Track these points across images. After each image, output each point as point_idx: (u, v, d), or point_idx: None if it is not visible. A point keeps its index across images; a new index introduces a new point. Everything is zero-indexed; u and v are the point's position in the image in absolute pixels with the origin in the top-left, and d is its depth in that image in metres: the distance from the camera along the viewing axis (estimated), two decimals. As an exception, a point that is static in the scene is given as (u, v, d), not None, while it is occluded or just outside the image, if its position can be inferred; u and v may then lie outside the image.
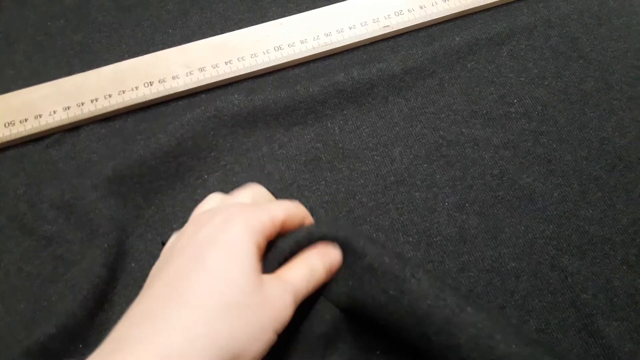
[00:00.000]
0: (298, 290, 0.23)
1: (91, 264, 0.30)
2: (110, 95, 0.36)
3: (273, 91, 0.36)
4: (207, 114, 0.35)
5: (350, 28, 0.39)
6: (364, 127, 0.36)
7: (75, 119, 0.35)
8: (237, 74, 0.37)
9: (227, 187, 0.34)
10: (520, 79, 0.38)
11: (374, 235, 0.32)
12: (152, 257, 0.31)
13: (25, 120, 0.35)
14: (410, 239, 0.32)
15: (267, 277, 0.23)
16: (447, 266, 0.31)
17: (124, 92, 0.36)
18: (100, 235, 0.31)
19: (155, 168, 0.33)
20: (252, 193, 0.26)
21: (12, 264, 0.31)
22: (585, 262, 0.32)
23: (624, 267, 0.31)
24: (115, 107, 0.36)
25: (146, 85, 0.36)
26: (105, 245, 0.30)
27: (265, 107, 0.35)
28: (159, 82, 0.36)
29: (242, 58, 0.37)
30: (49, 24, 0.41)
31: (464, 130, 0.36)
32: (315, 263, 0.24)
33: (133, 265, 0.31)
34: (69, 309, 0.29)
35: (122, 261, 0.31)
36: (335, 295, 0.25)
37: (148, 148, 0.33)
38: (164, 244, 0.25)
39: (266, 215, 0.23)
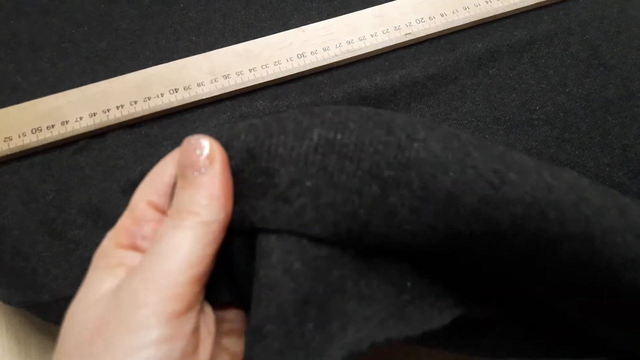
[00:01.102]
0: (163, 279, 0.17)
1: None
2: (135, 102, 0.36)
3: (297, 97, 0.36)
4: (233, 119, 0.35)
5: (372, 35, 0.39)
6: (387, 134, 0.36)
7: (101, 125, 0.36)
8: (261, 81, 0.37)
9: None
10: (542, 85, 0.38)
11: None
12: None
13: (52, 126, 0.36)
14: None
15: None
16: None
17: (149, 98, 0.37)
18: None
19: (182, 173, 0.34)
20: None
21: (41, 267, 0.32)
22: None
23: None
24: (141, 114, 0.36)
25: (171, 92, 0.37)
26: None
27: (289, 113, 0.36)
28: (184, 89, 0.37)
29: (265, 65, 0.38)
30: (73, 31, 0.41)
31: (487, 136, 0.36)
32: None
33: None
34: None
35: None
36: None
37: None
38: None
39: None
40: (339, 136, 0.18)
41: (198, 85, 0.37)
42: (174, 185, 0.20)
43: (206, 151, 0.19)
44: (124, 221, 0.21)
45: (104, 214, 0.33)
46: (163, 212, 0.20)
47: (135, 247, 0.20)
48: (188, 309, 0.17)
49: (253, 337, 0.17)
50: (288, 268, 0.17)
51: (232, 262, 0.20)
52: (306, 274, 0.17)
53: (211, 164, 0.19)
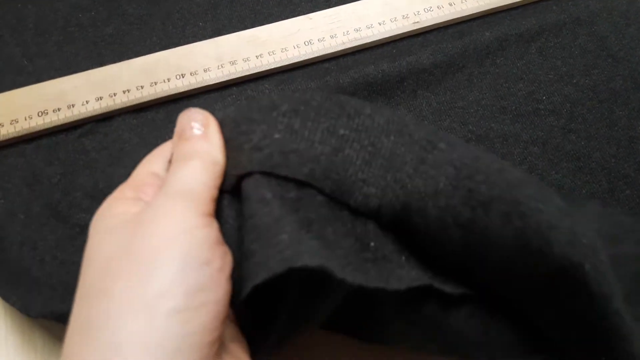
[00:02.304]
0: (187, 189, 0.20)
1: None
2: (142, 87, 0.36)
3: (303, 82, 0.36)
4: (238, 102, 0.35)
5: (379, 24, 0.39)
6: (393, 122, 0.36)
7: (107, 109, 0.36)
8: (268, 67, 0.37)
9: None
10: (549, 76, 0.38)
11: None
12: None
13: (59, 109, 0.36)
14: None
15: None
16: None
17: (155, 83, 0.37)
18: None
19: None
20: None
21: (47, 251, 0.32)
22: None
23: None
24: (147, 99, 0.36)
25: (178, 77, 0.37)
26: None
27: (295, 98, 0.36)
28: (190, 74, 0.37)
29: (272, 52, 0.38)
30: (80, 15, 0.41)
31: (493, 125, 0.36)
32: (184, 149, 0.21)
33: None
34: None
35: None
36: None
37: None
38: None
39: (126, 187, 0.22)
40: (302, 107, 0.21)
41: (205, 70, 0.37)
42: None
43: (201, 115, 0.22)
44: (128, 182, 0.23)
45: None
46: (160, 177, 0.22)
47: (138, 198, 0.21)
48: (210, 214, 0.20)
49: (246, 261, 0.20)
50: (262, 198, 0.20)
51: (221, 220, 0.22)
52: (278, 205, 0.20)
53: (207, 126, 0.22)
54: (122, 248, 0.19)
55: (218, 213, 0.22)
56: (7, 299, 0.30)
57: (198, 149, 0.21)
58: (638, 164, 0.35)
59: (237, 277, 0.20)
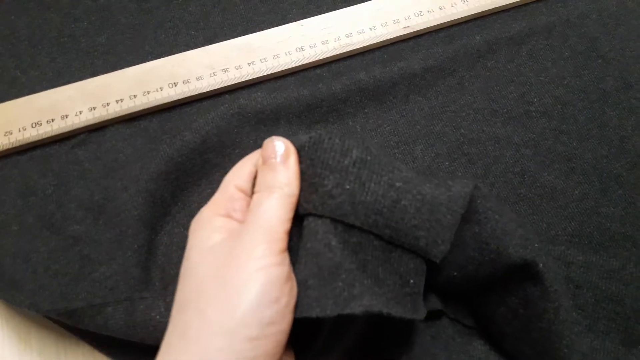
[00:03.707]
0: (267, 227, 0.24)
1: (123, 265, 0.30)
2: (135, 96, 0.37)
3: (295, 89, 0.36)
4: (231, 111, 0.35)
5: (370, 29, 0.39)
6: (385, 125, 0.36)
7: (100, 119, 0.36)
8: (260, 74, 0.37)
9: (252, 184, 0.35)
10: (540, 78, 0.38)
11: None
12: (180, 249, 0.32)
13: (52, 120, 0.36)
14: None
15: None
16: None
17: (148, 92, 0.37)
18: (129, 236, 0.31)
19: (181, 165, 0.34)
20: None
21: (40, 263, 0.32)
22: (608, 258, 0.32)
23: (647, 264, 0.32)
24: (140, 108, 0.36)
25: (170, 86, 0.37)
26: (136, 245, 0.31)
27: (287, 104, 0.36)
28: (183, 82, 0.37)
29: (264, 59, 0.38)
30: (72, 25, 0.41)
31: (485, 128, 0.36)
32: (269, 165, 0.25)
33: (163, 260, 0.32)
34: None
35: (153, 258, 0.32)
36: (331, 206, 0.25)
37: (174, 146, 0.34)
38: None
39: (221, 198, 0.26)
40: (368, 158, 0.25)
41: (197, 79, 0.37)
42: (254, 177, 0.26)
43: (284, 147, 0.26)
44: (219, 197, 0.26)
45: (107, 211, 0.33)
46: (246, 193, 0.26)
47: (229, 216, 0.25)
48: (284, 250, 0.24)
49: (299, 288, 0.24)
50: (328, 243, 0.23)
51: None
52: (339, 249, 0.23)
53: (288, 157, 0.25)
54: (216, 272, 0.23)
55: None
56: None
57: (279, 181, 0.25)
58: (630, 164, 0.35)
59: None
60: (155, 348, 0.24)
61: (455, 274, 0.27)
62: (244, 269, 0.22)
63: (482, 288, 0.28)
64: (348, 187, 0.24)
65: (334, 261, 0.23)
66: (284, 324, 0.22)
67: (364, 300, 0.22)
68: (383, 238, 0.24)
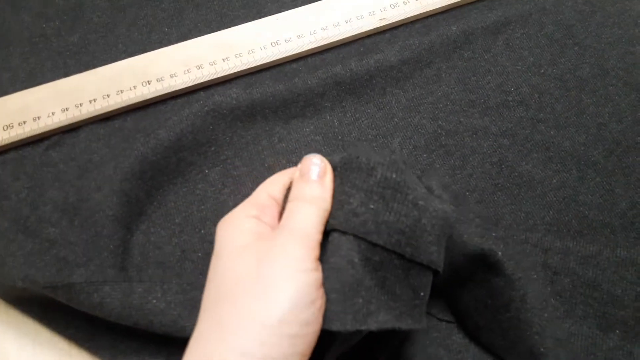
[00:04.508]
0: (304, 233, 0.24)
1: (100, 266, 0.30)
2: (108, 96, 0.36)
3: (271, 84, 0.36)
4: (206, 108, 0.35)
5: (346, 22, 0.39)
6: (363, 119, 0.36)
7: (74, 120, 0.35)
8: (235, 70, 0.37)
9: (228, 181, 0.34)
10: (517, 67, 0.38)
11: None
12: (157, 248, 0.32)
13: (24, 122, 0.35)
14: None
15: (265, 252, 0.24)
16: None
17: (122, 91, 0.36)
18: (105, 236, 0.31)
19: (156, 163, 0.33)
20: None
21: (16, 267, 0.31)
22: (586, 246, 0.32)
23: (624, 252, 0.32)
24: (114, 107, 0.36)
25: (144, 84, 0.36)
26: (112, 246, 0.31)
27: (263, 100, 0.36)
28: (157, 80, 0.36)
29: (239, 54, 0.37)
30: (44, 25, 0.40)
31: (462, 119, 0.36)
32: (302, 191, 0.26)
33: (139, 259, 0.31)
34: None
35: (129, 259, 0.31)
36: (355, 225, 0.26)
37: (148, 144, 0.33)
38: None
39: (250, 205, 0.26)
40: (393, 175, 0.25)
41: (171, 76, 0.37)
42: (287, 189, 0.27)
43: (322, 164, 0.26)
44: (251, 201, 0.27)
45: (81, 212, 0.32)
46: (277, 202, 0.27)
47: (259, 219, 0.26)
48: (318, 258, 0.24)
49: None
50: (350, 260, 0.24)
51: None
52: (361, 266, 0.24)
53: (325, 174, 0.26)
54: (250, 270, 0.23)
55: None
56: None
57: (316, 195, 0.25)
58: (607, 151, 0.35)
59: None
60: (145, 337, 0.23)
61: None
62: (284, 269, 0.23)
63: (452, 281, 0.28)
64: (372, 206, 0.25)
65: (356, 278, 0.24)
66: (317, 326, 0.23)
67: (380, 317, 0.23)
68: (404, 257, 0.25)
